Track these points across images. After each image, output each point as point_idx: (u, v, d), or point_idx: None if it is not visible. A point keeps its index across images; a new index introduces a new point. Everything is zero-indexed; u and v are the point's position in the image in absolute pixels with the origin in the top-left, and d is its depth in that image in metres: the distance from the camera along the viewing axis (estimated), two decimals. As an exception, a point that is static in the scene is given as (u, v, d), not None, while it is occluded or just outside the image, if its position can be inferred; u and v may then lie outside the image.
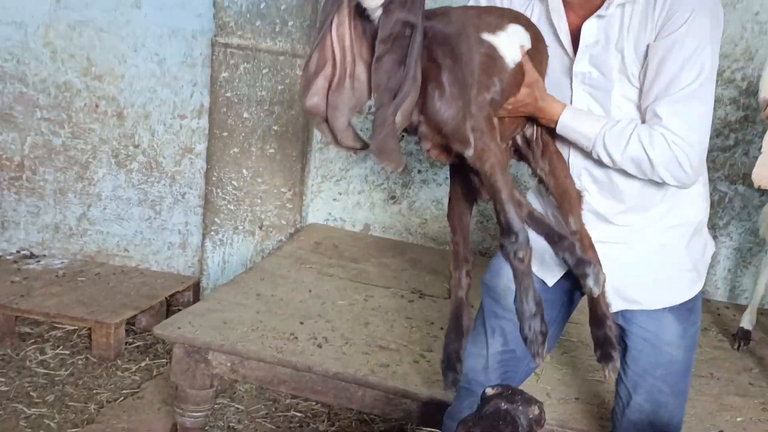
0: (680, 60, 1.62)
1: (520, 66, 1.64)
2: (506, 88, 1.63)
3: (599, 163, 1.75)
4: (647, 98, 1.67)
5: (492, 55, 1.60)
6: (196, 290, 3.85)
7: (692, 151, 1.65)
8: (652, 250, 1.85)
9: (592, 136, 1.70)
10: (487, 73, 1.59)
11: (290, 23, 3.50)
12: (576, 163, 1.81)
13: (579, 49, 1.74)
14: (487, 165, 1.56)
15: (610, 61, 1.71)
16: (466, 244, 1.83)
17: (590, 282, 1.68)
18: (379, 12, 1.41)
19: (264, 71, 3.54)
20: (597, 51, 1.72)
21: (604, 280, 1.71)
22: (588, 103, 1.75)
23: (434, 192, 3.68)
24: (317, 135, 3.71)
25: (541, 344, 1.62)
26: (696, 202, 1.86)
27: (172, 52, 3.76)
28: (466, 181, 1.78)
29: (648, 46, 1.65)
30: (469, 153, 1.56)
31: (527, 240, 1.58)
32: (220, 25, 3.54)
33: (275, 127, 3.59)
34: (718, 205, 3.42)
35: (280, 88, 3.55)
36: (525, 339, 1.63)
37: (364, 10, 1.43)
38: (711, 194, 3.37)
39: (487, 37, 1.60)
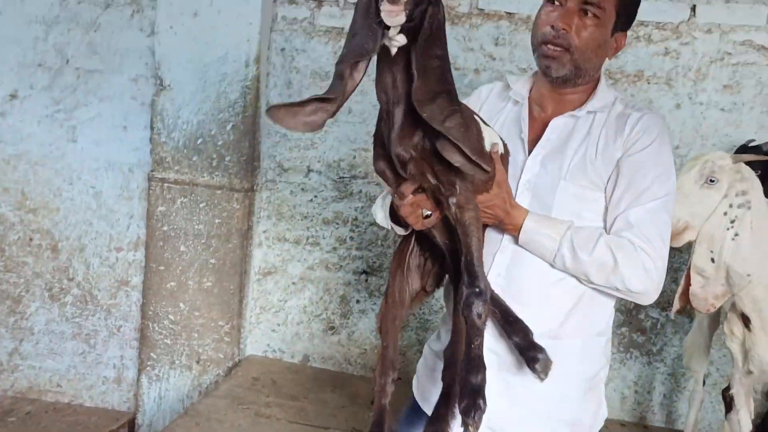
0: (651, 176, 1.70)
1: (490, 159, 1.67)
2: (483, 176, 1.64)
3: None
4: (617, 208, 1.72)
5: (480, 135, 1.64)
6: (131, 427, 3.73)
7: (659, 262, 1.68)
8: (545, 393, 1.77)
9: (558, 237, 1.70)
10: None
11: (227, 158, 3.54)
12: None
13: (538, 144, 1.80)
14: (468, 215, 1.58)
15: (563, 160, 1.76)
16: (395, 349, 1.80)
17: (539, 367, 1.67)
18: (396, 44, 1.47)
19: (201, 205, 3.56)
20: (554, 149, 1.78)
21: (551, 367, 1.69)
22: (529, 201, 1.77)
23: (373, 322, 3.68)
24: (255, 266, 3.71)
25: (479, 411, 1.52)
26: (595, 355, 1.84)
27: (109, 185, 3.75)
28: (416, 264, 1.80)
29: (618, 160, 1.73)
30: (453, 200, 1.57)
31: (489, 297, 1.55)
32: (156, 160, 3.56)
33: (212, 261, 3.57)
34: (650, 332, 3.48)
35: (217, 221, 3.56)
36: (462, 404, 1.53)
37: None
38: (644, 320, 3.46)
39: (477, 118, 1.66)
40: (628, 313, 3.47)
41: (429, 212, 1.65)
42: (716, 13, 3.30)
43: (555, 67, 1.76)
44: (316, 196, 3.65)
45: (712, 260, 2.36)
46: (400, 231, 1.82)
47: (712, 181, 2.30)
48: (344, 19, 3.55)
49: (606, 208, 1.75)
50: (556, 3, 1.77)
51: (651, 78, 3.36)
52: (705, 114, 3.35)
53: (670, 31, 3.35)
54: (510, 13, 3.44)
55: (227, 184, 3.55)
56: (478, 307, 1.53)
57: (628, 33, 1.88)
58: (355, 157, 3.59)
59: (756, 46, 3.29)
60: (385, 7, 1.41)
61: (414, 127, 1.53)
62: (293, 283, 3.71)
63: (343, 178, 3.61)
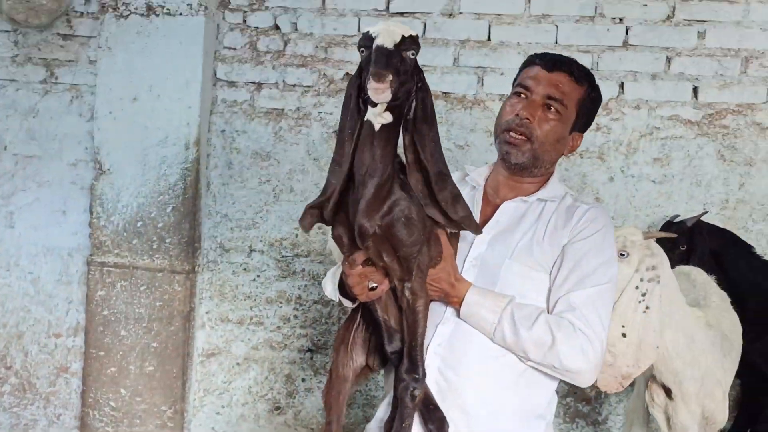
0: (594, 263, 1.77)
1: (437, 236, 1.71)
2: (433, 253, 1.70)
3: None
4: (560, 290, 1.77)
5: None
6: None
7: (598, 344, 1.72)
8: None
9: (499, 311, 1.72)
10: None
11: (168, 240, 3.52)
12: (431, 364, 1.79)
13: (487, 225, 1.85)
14: (420, 302, 1.64)
15: (511, 241, 1.82)
16: (339, 426, 1.81)
17: None
18: (382, 120, 1.55)
19: (142, 288, 3.52)
20: (502, 230, 1.84)
21: None
22: (475, 277, 1.79)
23: (320, 400, 3.63)
24: (198, 348, 3.67)
25: None
26: None
27: (47, 271, 3.70)
28: (360, 341, 1.83)
29: (564, 246, 1.80)
30: (408, 285, 1.64)
31: (424, 382, 1.64)
32: (96, 244, 3.53)
33: (154, 344, 3.53)
34: (595, 401, 3.50)
35: (158, 304, 3.53)
36: None
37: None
38: (588, 390, 3.47)
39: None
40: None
41: (375, 284, 1.68)
42: (643, 90, 3.42)
43: (515, 153, 1.85)
44: (258, 276, 3.63)
45: (624, 335, 2.39)
46: (348, 304, 1.84)
47: (622, 254, 2.36)
48: (284, 101, 3.61)
49: (549, 290, 1.80)
50: (522, 95, 1.87)
51: (584, 153, 3.45)
52: (637, 186, 3.44)
53: (601, 108, 3.43)
54: (446, 93, 3.52)
55: (168, 266, 3.52)
56: (414, 391, 1.63)
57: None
58: (297, 236, 3.60)
59: (683, 120, 3.40)
60: (371, 85, 1.48)
61: (382, 203, 1.58)
62: (237, 364, 3.67)
63: (286, 257, 3.61)
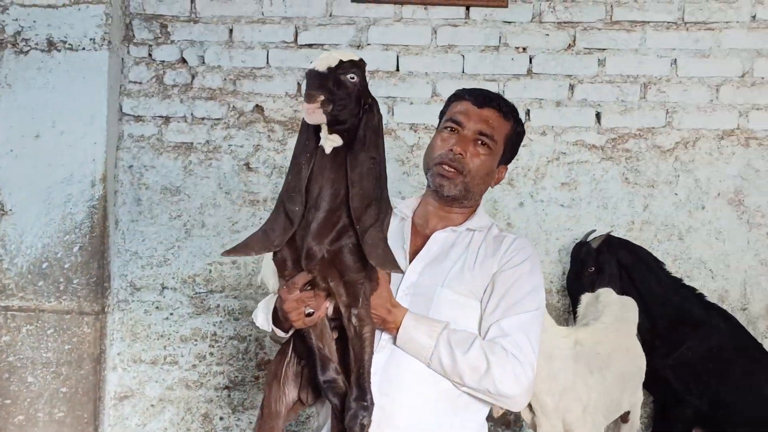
0: (523, 291, 1.84)
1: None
2: (373, 279, 1.70)
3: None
4: (491, 317, 1.82)
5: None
6: None
7: (529, 368, 1.77)
8: None
9: (436, 335, 1.75)
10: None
11: (75, 281, 3.42)
12: None
13: (419, 254, 1.89)
14: (367, 329, 1.65)
15: (443, 269, 1.86)
16: None
17: None
18: (331, 143, 1.59)
19: (49, 332, 3.41)
20: (433, 259, 1.88)
21: None
22: (408, 305, 1.81)
23: (239, 438, 3.58)
24: (110, 391, 3.56)
25: None
26: None
27: (-53, 318, 3.54)
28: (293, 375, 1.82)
29: (494, 274, 1.86)
30: (355, 311, 1.64)
31: (372, 410, 1.63)
32: (-1, 287, 3.41)
33: (63, 389, 3.41)
34: (515, 425, 3.52)
35: (67, 347, 3.41)
36: None
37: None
38: (508, 413, 3.50)
39: None
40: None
41: (312, 310, 1.67)
42: (548, 117, 3.50)
43: (448, 186, 1.90)
44: (172, 314, 3.55)
45: None
46: (281, 334, 1.82)
47: None
48: (193, 134, 3.56)
49: (480, 317, 1.85)
50: (454, 130, 1.93)
51: (494, 179, 3.49)
52: (546, 210, 3.50)
53: (508, 134, 3.51)
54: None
55: (76, 307, 3.42)
56: (363, 420, 1.62)
57: None
58: (210, 272, 3.54)
59: (587, 145, 3.49)
60: (303, 107, 1.52)
61: (332, 228, 1.59)
62: (152, 406, 3.57)
63: (200, 293, 3.55)
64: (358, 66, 1.60)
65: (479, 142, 1.92)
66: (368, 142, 1.61)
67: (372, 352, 1.67)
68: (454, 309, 1.84)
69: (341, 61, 1.56)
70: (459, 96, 2.00)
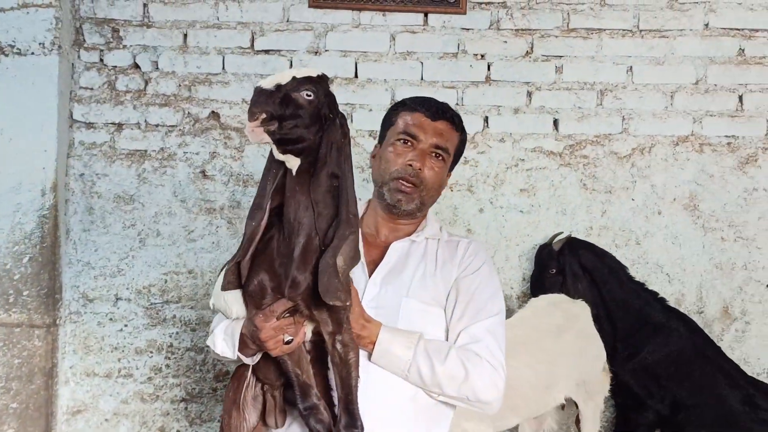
0: (486, 295, 1.87)
1: None
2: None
3: None
4: (460, 323, 1.84)
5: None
6: None
7: (502, 372, 1.80)
8: None
9: (413, 346, 1.74)
10: None
11: (25, 293, 3.31)
12: None
13: (379, 266, 1.88)
14: (352, 354, 1.62)
15: (404, 279, 1.85)
16: None
17: None
18: (291, 164, 1.54)
19: (-3, 346, 3.29)
20: (392, 270, 1.87)
21: None
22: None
23: (196, 451, 3.50)
24: (63, 406, 3.46)
25: None
26: None
27: None
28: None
29: (455, 280, 1.88)
30: (340, 338, 1.61)
31: None
32: (-56, 300, 3.28)
33: (14, 405, 3.30)
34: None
35: (17, 362, 3.30)
36: None
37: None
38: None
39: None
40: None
41: (291, 338, 1.63)
42: (507, 124, 3.50)
43: (406, 201, 1.91)
44: (126, 326, 3.46)
45: None
46: (248, 361, 1.76)
47: None
48: (147, 141, 3.48)
49: (446, 324, 1.86)
50: (409, 143, 1.91)
51: (454, 186, 3.49)
52: (506, 216, 3.51)
53: (468, 141, 3.49)
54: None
55: (26, 320, 3.31)
56: None
57: None
58: (166, 282, 3.46)
59: (545, 151, 3.50)
60: (246, 126, 1.48)
61: (314, 253, 1.55)
62: (106, 420, 3.48)
63: (155, 304, 3.46)
64: (316, 81, 1.55)
65: (434, 155, 1.92)
66: (328, 160, 1.56)
67: (358, 377, 1.64)
68: (421, 318, 1.83)
69: (294, 78, 1.52)
70: (410, 107, 1.98)
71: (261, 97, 1.48)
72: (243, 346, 1.73)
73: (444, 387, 1.76)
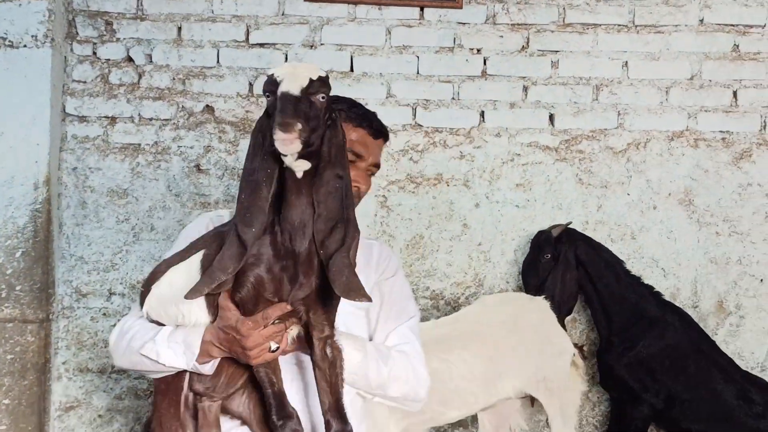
0: (405, 296, 1.93)
1: None
2: None
3: None
4: (387, 325, 1.87)
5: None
6: None
7: (427, 369, 1.86)
8: None
9: (362, 348, 1.74)
10: None
11: (18, 287, 3.28)
12: None
13: None
14: (340, 357, 1.61)
15: None
16: None
17: None
18: (301, 168, 1.46)
19: (-10, 341, 3.26)
20: None
21: None
22: None
23: (191, 447, 3.48)
24: (55, 402, 3.43)
25: None
26: None
27: None
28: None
29: (376, 282, 1.87)
30: (330, 341, 1.60)
31: None
32: (-64, 296, 3.25)
33: (6, 401, 3.26)
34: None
35: (9, 357, 3.27)
36: None
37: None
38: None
39: None
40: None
41: (277, 345, 1.58)
42: (503, 118, 3.50)
43: None
44: (120, 321, 3.43)
45: None
46: (204, 371, 1.64)
47: None
48: (140, 135, 3.45)
49: (368, 326, 1.88)
50: (352, 161, 1.86)
51: (450, 180, 3.49)
52: (502, 211, 3.51)
53: (464, 136, 3.50)
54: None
55: (19, 315, 3.27)
56: None
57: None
58: (160, 276, 3.43)
59: (541, 146, 3.50)
60: (278, 136, 1.37)
61: (316, 255, 1.51)
62: (99, 416, 3.45)
63: (149, 299, 3.43)
64: (326, 83, 1.49)
65: (370, 173, 1.96)
66: (333, 159, 1.51)
67: (344, 381, 1.61)
68: (349, 320, 1.76)
69: (311, 81, 1.44)
70: (354, 121, 1.91)
71: (293, 105, 1.39)
72: (205, 355, 1.62)
73: (388, 388, 1.77)
